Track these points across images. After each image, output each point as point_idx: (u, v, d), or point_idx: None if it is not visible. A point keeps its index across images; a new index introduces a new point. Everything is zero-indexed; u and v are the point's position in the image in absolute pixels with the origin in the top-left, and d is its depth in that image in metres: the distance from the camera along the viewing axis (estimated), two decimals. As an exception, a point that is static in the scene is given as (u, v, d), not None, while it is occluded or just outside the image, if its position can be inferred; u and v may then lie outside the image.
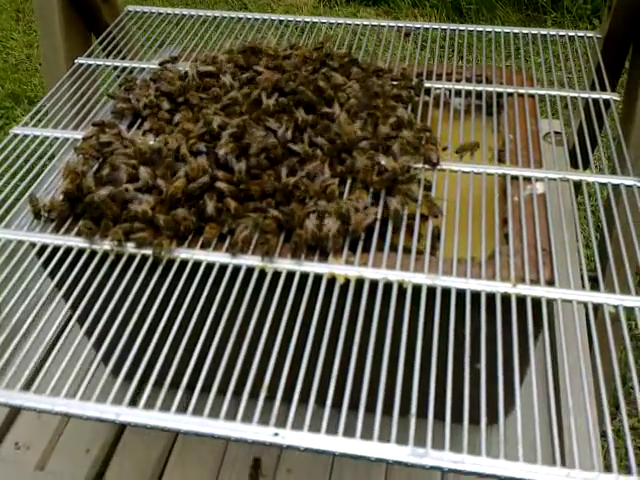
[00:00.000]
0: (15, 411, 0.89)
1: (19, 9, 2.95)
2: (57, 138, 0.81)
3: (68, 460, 0.83)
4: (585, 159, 0.75)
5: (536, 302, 0.59)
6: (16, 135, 0.82)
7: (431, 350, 0.55)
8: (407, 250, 0.65)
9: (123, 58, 0.96)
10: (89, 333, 0.60)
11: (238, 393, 0.52)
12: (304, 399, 0.51)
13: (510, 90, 0.86)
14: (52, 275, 0.65)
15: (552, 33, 0.99)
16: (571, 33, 0.99)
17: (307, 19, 1.05)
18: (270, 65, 0.85)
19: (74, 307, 0.61)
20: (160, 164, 0.70)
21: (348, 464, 0.84)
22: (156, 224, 0.65)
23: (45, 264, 0.66)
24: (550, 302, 0.60)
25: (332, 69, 0.85)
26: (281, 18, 1.05)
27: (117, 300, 0.61)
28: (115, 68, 0.94)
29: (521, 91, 0.86)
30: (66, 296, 0.63)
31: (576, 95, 0.86)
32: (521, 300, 0.59)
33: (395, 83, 0.85)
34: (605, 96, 0.85)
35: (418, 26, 1.02)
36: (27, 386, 0.55)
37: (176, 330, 0.58)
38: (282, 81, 0.80)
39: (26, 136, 0.82)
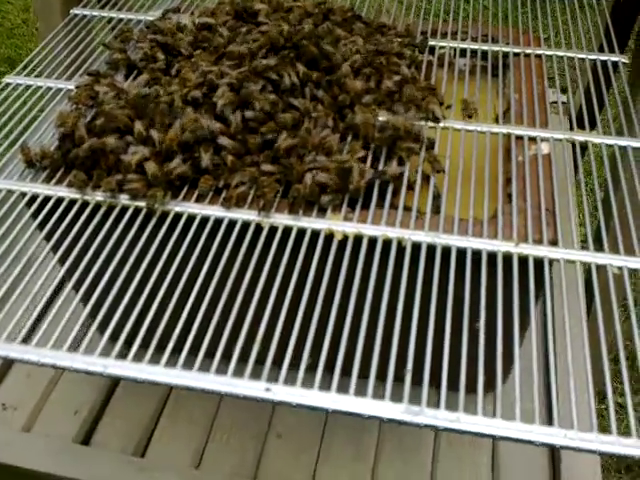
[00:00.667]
0: (3, 371, 0.87)
1: (15, -31, 2.89)
2: (50, 88, 0.79)
3: (56, 421, 0.82)
4: (592, 121, 0.73)
5: (538, 262, 0.58)
6: (8, 84, 0.79)
7: (429, 311, 0.54)
8: (408, 209, 0.63)
9: (119, 9, 0.93)
10: (77, 288, 0.58)
11: (229, 354, 0.51)
12: (296, 362, 0.50)
13: (517, 50, 0.84)
14: (41, 226, 0.63)
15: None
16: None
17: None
18: (271, 18, 0.83)
19: (63, 260, 0.60)
20: (154, 113, 0.68)
21: (339, 431, 0.83)
22: (148, 175, 0.64)
23: (35, 215, 0.64)
24: (553, 262, 0.58)
25: (335, 23, 0.82)
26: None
27: (107, 254, 0.59)
28: (111, 20, 0.91)
29: (528, 51, 0.83)
30: (55, 249, 0.61)
31: (584, 57, 0.83)
32: (523, 260, 0.58)
33: (399, 40, 0.82)
34: (614, 58, 0.83)
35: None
36: (12, 338, 0.54)
37: (166, 287, 0.56)
38: (284, 35, 0.77)
39: (19, 85, 0.79)
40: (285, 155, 0.66)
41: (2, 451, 0.77)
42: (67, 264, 0.59)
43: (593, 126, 0.72)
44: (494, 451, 0.80)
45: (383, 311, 0.53)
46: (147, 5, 0.94)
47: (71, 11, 0.92)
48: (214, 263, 0.58)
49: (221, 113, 0.68)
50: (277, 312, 0.53)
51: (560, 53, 0.83)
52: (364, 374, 0.49)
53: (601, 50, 0.86)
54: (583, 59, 0.83)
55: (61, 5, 1.01)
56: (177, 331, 0.52)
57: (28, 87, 0.79)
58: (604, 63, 0.83)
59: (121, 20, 0.91)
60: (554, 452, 0.79)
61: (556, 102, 1.20)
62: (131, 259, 0.59)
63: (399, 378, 0.49)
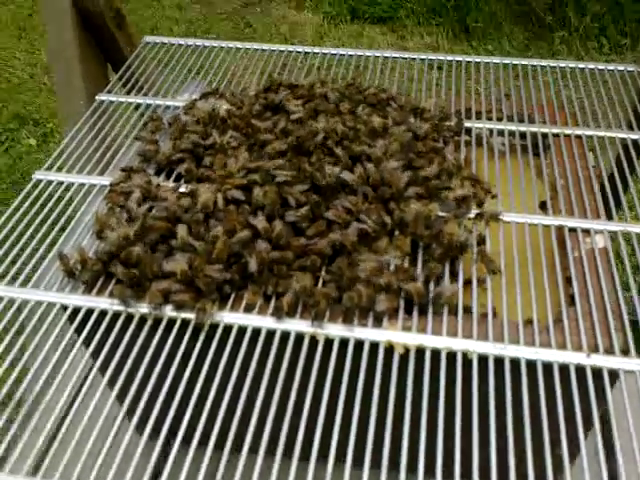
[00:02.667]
0: None
1: (21, 26, 2.89)
2: (83, 184, 0.76)
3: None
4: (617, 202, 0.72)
5: (613, 374, 0.55)
6: (39, 180, 0.77)
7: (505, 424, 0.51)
8: (467, 310, 0.61)
9: (145, 94, 0.92)
10: (130, 412, 0.55)
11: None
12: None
13: (555, 130, 0.82)
14: (87, 343, 0.60)
15: (585, 66, 0.95)
16: (600, 66, 0.95)
17: (332, 50, 1.01)
18: (305, 105, 0.81)
19: (112, 382, 0.57)
20: (192, 221, 0.66)
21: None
22: (197, 286, 0.61)
23: (78, 330, 0.61)
24: (627, 374, 0.56)
25: (370, 105, 0.81)
26: (304, 49, 1.01)
27: (159, 372, 0.56)
28: (138, 106, 0.89)
29: (567, 131, 0.82)
30: (103, 368, 0.58)
31: (625, 136, 0.82)
32: (597, 372, 0.55)
33: (435, 122, 0.81)
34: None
35: (441, 58, 0.98)
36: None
37: (227, 402, 0.53)
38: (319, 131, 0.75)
39: (50, 182, 0.77)
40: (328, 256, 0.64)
41: None
42: (117, 385, 0.56)
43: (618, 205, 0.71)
44: None
45: (458, 427, 0.51)
46: (174, 89, 0.93)
47: (96, 97, 0.91)
48: (272, 379, 0.55)
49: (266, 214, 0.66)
50: (346, 433, 0.51)
51: (600, 133, 0.82)
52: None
53: (630, 127, 0.84)
54: (624, 139, 0.81)
55: (84, 88, 0.99)
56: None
57: (60, 184, 0.77)
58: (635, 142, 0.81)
59: (149, 106, 0.89)
60: None
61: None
62: (185, 377, 0.56)
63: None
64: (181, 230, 0.64)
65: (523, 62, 0.97)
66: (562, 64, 0.96)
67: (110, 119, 0.86)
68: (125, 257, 0.63)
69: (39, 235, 0.70)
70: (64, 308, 0.63)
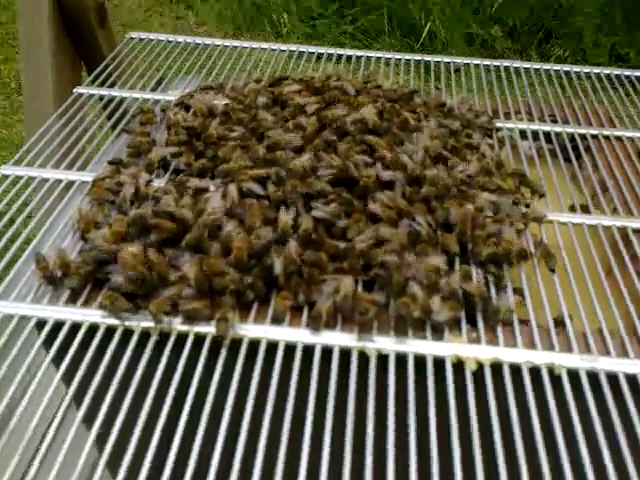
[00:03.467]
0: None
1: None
2: (59, 180, 0.64)
3: None
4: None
5: None
6: (6, 176, 0.64)
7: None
8: (524, 321, 0.51)
9: (131, 88, 0.80)
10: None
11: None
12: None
13: (593, 132, 0.75)
14: (72, 369, 0.47)
15: (607, 72, 0.89)
16: (627, 72, 0.89)
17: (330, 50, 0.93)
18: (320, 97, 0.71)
19: (108, 424, 0.43)
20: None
21: None
22: (214, 290, 0.49)
23: (61, 352, 0.48)
24: None
25: (391, 100, 0.72)
26: (294, 48, 0.92)
27: (173, 398, 0.44)
28: (122, 100, 0.78)
29: (605, 133, 0.74)
30: (96, 400, 0.45)
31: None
32: None
33: (467, 119, 0.72)
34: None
35: (467, 62, 0.91)
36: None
37: (267, 441, 0.41)
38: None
39: (18, 177, 0.64)
40: (369, 257, 0.53)
41: None
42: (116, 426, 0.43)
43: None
44: None
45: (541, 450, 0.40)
46: (163, 84, 0.82)
47: (75, 90, 0.79)
48: (320, 404, 0.43)
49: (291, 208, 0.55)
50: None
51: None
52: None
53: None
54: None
55: (54, 84, 0.87)
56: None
57: (31, 179, 0.64)
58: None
59: (135, 100, 0.77)
60: None
61: None
62: (207, 406, 0.44)
63: None
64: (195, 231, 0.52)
65: (555, 67, 0.90)
66: (576, 69, 0.90)
67: (90, 113, 0.75)
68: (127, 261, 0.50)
69: (6, 237, 0.57)
70: (40, 324, 0.49)
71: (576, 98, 0.81)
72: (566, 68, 0.90)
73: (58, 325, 0.49)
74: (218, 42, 0.94)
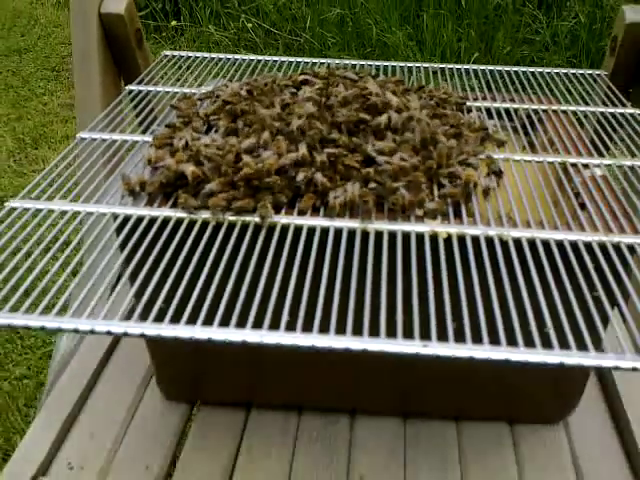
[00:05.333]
0: (65, 430, 0.82)
1: None
2: (126, 141, 0.83)
3: (127, 478, 0.77)
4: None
5: (631, 249, 0.63)
6: (83, 139, 0.83)
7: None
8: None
9: (173, 85, 1.00)
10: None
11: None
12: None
13: (544, 107, 0.94)
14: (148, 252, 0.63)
15: (561, 71, 1.09)
16: (579, 71, 1.10)
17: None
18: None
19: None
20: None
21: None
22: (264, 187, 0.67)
23: (142, 237, 0.65)
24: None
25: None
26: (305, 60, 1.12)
27: (224, 268, 0.60)
28: (155, 95, 0.97)
29: (554, 107, 0.94)
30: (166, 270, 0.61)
31: (603, 110, 0.94)
32: (616, 247, 0.63)
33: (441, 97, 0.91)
34: (630, 110, 0.94)
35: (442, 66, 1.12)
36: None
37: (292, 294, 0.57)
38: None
39: (93, 139, 0.83)
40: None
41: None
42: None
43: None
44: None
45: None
46: (197, 84, 1.01)
47: (127, 87, 0.99)
48: (332, 270, 0.60)
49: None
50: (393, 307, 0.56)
51: (582, 108, 0.94)
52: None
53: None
54: (603, 112, 0.94)
55: (101, 101, 1.07)
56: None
57: (103, 140, 0.83)
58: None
59: (175, 94, 0.97)
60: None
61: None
62: (250, 270, 0.60)
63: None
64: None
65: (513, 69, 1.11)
66: (531, 69, 1.10)
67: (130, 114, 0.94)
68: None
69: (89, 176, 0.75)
70: (126, 218, 0.67)
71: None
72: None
73: (139, 219, 0.66)
74: (252, 57, 1.14)
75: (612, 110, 0.94)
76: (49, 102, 3.09)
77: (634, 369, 0.50)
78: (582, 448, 0.82)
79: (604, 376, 0.92)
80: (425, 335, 0.52)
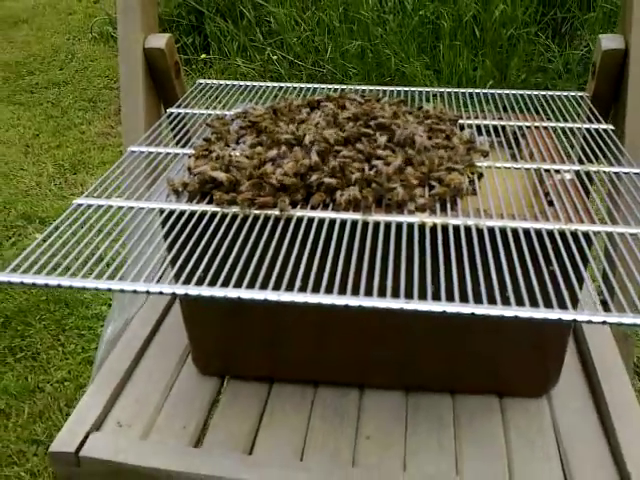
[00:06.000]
0: (114, 396, 0.97)
1: (27, 144, 3.20)
2: (177, 153, 0.99)
3: (167, 434, 0.91)
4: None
5: (586, 235, 0.77)
6: (132, 152, 0.99)
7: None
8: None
9: (207, 108, 1.16)
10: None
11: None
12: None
13: (527, 124, 1.08)
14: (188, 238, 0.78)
15: (544, 94, 1.23)
16: (564, 93, 1.23)
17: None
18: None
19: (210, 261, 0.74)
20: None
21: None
22: (284, 186, 0.82)
23: (183, 227, 0.80)
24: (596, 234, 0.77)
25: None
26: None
27: (247, 255, 0.75)
28: (191, 117, 1.13)
29: (536, 124, 1.08)
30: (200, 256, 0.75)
31: (580, 126, 1.08)
32: (573, 234, 0.76)
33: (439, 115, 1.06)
34: (603, 126, 1.07)
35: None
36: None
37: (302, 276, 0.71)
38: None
39: (144, 152, 0.99)
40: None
41: (124, 454, 0.85)
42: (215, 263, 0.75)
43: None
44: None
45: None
46: (227, 107, 1.18)
47: (168, 110, 1.15)
48: (336, 255, 0.74)
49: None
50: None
51: (561, 125, 1.08)
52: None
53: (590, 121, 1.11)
54: (579, 128, 1.08)
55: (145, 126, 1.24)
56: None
57: (150, 152, 0.99)
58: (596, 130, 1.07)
59: (209, 115, 1.14)
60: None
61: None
62: (270, 252, 0.74)
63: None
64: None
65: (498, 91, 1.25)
66: (521, 92, 1.24)
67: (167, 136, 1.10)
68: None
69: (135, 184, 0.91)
70: (171, 212, 0.82)
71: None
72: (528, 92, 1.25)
73: (181, 213, 0.82)
74: (276, 84, 1.30)
75: (588, 126, 1.08)
76: (86, 131, 3.31)
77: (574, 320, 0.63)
78: (562, 416, 0.94)
79: (584, 354, 1.04)
80: (409, 296, 0.66)
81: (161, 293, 0.66)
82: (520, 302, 0.66)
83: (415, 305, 0.65)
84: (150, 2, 1.32)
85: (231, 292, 0.66)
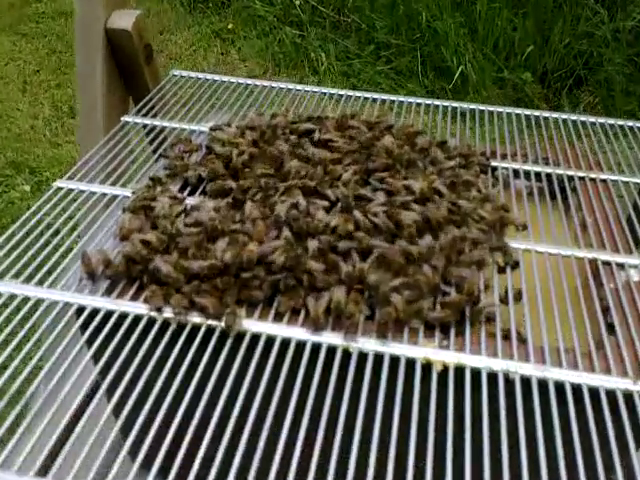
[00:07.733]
0: None
1: (26, 81, 2.93)
2: (105, 194, 0.75)
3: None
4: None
5: (661, 401, 0.53)
6: (60, 188, 0.75)
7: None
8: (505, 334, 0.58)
9: (171, 119, 0.91)
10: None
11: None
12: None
13: (580, 174, 0.82)
14: (104, 345, 0.56)
15: (610, 122, 0.96)
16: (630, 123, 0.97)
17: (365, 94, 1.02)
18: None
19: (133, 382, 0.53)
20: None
21: None
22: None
23: (95, 332, 0.57)
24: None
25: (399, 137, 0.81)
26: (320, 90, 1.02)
27: (182, 378, 0.53)
28: (162, 130, 0.89)
29: (592, 175, 0.82)
30: (119, 374, 0.54)
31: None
32: (644, 398, 0.53)
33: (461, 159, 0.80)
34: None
35: (473, 107, 0.99)
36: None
37: (254, 419, 0.50)
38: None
39: (71, 190, 0.75)
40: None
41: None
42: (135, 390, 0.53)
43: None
44: None
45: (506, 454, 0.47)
46: (198, 117, 0.92)
47: (122, 118, 0.90)
48: (303, 393, 0.52)
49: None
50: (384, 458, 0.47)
51: (624, 179, 0.82)
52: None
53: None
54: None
55: (104, 114, 0.99)
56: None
57: (81, 192, 0.75)
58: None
59: (173, 129, 0.89)
60: None
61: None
62: (209, 385, 0.52)
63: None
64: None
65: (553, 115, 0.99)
66: (582, 118, 0.97)
67: (134, 138, 0.86)
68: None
69: (56, 239, 0.68)
70: (80, 310, 0.59)
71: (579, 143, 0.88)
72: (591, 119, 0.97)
73: (94, 311, 0.59)
74: (257, 82, 1.04)
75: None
76: (92, 70, 3.03)
77: None
78: None
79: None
80: None
81: None
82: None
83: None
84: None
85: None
